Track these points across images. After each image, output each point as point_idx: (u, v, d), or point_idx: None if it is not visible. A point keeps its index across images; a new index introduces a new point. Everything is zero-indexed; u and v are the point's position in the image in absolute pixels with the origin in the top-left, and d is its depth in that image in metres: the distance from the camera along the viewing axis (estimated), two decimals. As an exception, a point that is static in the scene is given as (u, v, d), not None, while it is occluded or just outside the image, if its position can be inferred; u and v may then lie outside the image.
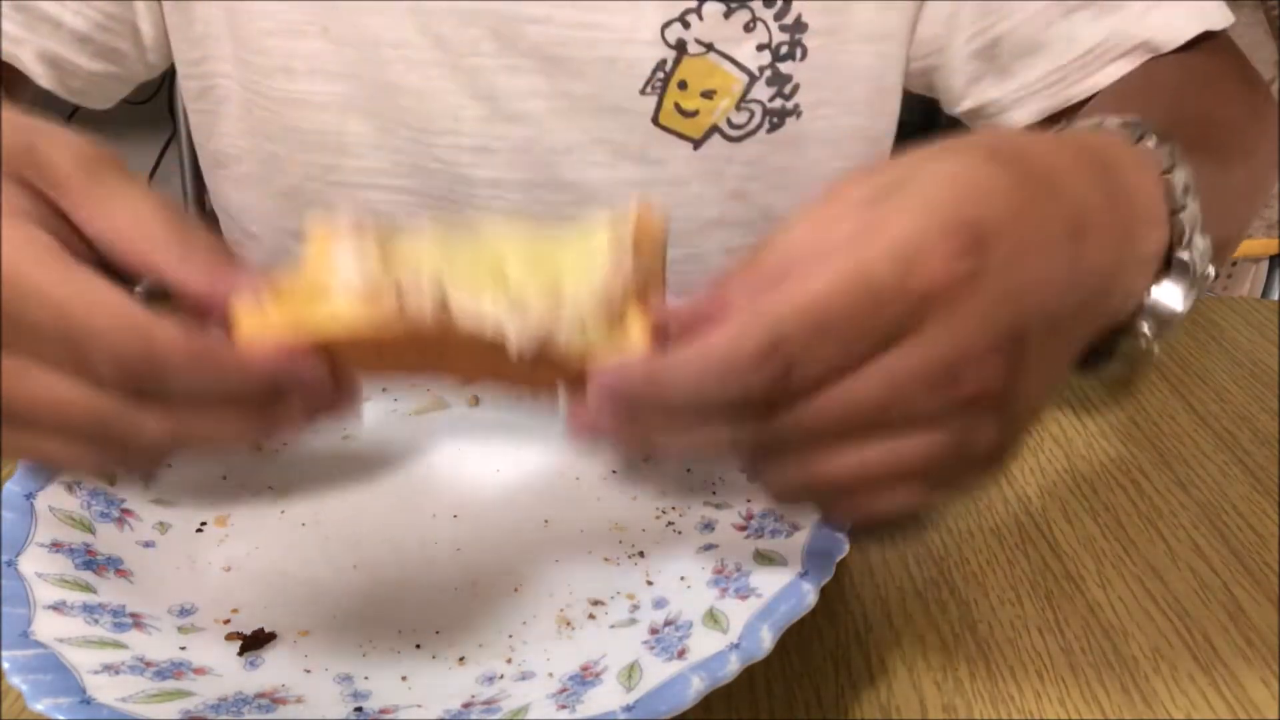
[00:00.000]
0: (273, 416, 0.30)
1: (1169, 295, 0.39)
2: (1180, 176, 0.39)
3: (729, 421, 0.28)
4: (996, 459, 0.31)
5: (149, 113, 1.86)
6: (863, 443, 0.29)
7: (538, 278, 0.30)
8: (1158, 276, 0.39)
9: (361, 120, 0.58)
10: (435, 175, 0.59)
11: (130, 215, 0.30)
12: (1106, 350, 0.40)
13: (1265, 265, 1.61)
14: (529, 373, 0.31)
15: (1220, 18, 0.56)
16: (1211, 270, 0.40)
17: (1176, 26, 0.55)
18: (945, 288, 0.28)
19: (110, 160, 0.31)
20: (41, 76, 0.57)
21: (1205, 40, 0.56)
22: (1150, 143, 0.39)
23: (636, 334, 0.30)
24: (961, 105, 0.63)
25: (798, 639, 0.30)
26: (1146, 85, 0.55)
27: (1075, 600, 0.37)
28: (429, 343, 0.30)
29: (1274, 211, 1.49)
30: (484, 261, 0.31)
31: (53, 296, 0.28)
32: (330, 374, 0.30)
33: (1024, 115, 0.59)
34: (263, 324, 0.30)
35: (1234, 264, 1.65)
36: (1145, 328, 0.39)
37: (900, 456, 0.29)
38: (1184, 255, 0.39)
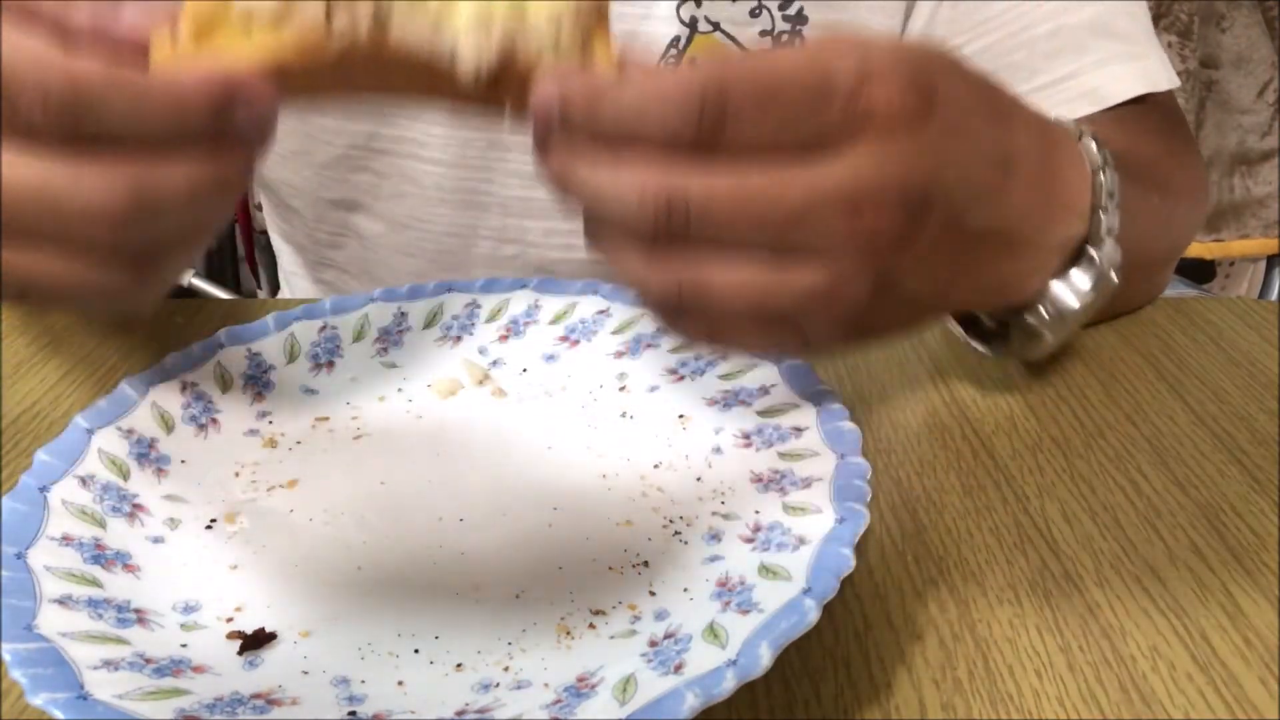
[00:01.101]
0: (222, 160, 0.29)
1: (1071, 288, 0.42)
2: (1107, 179, 0.42)
3: (654, 165, 0.29)
4: (858, 325, 0.33)
5: (149, 113, 1.86)
6: (754, 259, 0.30)
7: None
8: (1065, 267, 0.42)
9: None
10: (471, 143, 0.62)
11: None
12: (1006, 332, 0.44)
13: (1263, 265, 1.61)
14: (475, 92, 0.30)
15: (1165, 79, 0.61)
16: (1115, 278, 0.43)
17: (1124, 84, 0.59)
18: (887, 116, 0.30)
19: None
20: None
21: (1147, 99, 0.60)
22: (1090, 143, 0.42)
23: (601, 60, 0.30)
24: None
25: (797, 639, 0.30)
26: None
27: (1074, 600, 0.38)
28: (364, 65, 0.29)
29: (1273, 211, 1.49)
30: None
31: None
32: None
33: None
34: (178, 57, 0.28)
35: (1232, 264, 1.65)
36: (1043, 310, 0.42)
37: (781, 285, 0.30)
38: (1094, 252, 0.42)
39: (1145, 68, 0.60)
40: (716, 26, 0.60)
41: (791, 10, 0.61)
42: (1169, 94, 0.62)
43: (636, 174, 0.29)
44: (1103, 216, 0.42)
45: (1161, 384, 0.51)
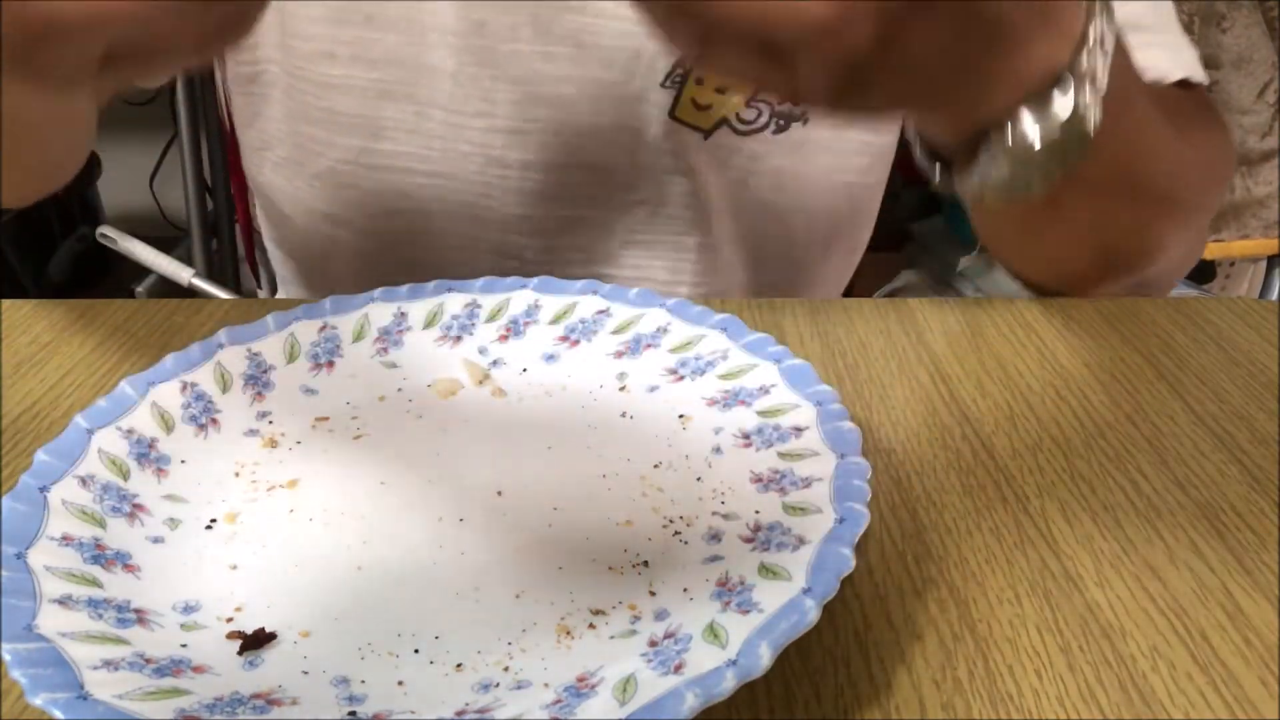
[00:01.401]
0: None
1: (1041, 117, 0.42)
2: (1098, 28, 0.41)
3: None
4: (849, 80, 0.32)
5: (150, 113, 1.86)
6: None
7: None
8: (1041, 100, 0.42)
9: (397, 105, 0.61)
10: (468, 158, 0.62)
11: None
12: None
13: (1263, 265, 1.61)
14: None
15: (1200, 74, 0.60)
16: (1093, 114, 0.41)
17: (1163, 67, 0.59)
18: None
19: None
20: None
21: (1186, 86, 0.60)
22: None
23: None
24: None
25: (797, 639, 0.30)
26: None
27: (1074, 600, 0.38)
28: None
29: (1273, 211, 1.49)
30: None
31: None
32: None
33: None
34: None
35: (1232, 264, 1.65)
36: (1009, 133, 0.42)
37: (788, 10, 0.30)
38: (1070, 85, 0.41)
39: (1182, 58, 0.60)
40: None
41: None
42: (1202, 89, 0.61)
43: None
44: (1084, 57, 0.42)
45: (1161, 384, 0.51)
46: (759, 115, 0.62)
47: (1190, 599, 0.38)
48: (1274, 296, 1.58)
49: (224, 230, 1.81)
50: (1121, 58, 0.44)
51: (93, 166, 2.06)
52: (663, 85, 0.61)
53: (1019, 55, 0.40)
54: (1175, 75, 0.59)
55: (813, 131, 0.64)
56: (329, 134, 0.62)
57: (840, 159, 0.66)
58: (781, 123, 0.63)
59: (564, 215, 0.64)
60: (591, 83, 0.60)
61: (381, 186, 0.64)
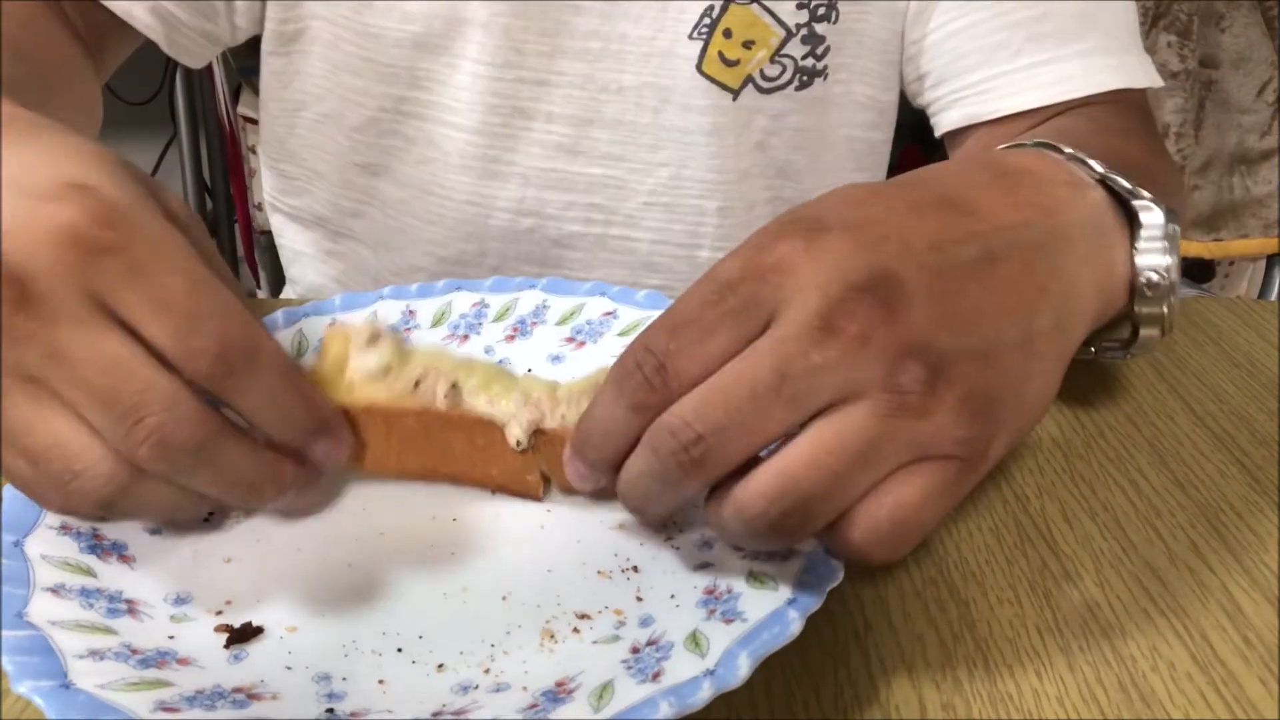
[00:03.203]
0: (287, 469, 0.34)
1: (1149, 257, 0.38)
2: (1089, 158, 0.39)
3: (654, 426, 0.30)
4: (969, 416, 0.29)
5: (149, 113, 1.86)
6: (778, 448, 0.29)
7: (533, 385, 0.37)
8: (1126, 244, 0.38)
9: (430, 56, 0.62)
10: (496, 110, 0.63)
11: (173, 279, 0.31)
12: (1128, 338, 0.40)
13: (1263, 265, 1.61)
14: (513, 467, 0.38)
15: (1144, 77, 0.61)
16: (1174, 249, 0.38)
17: (1102, 75, 0.60)
18: (785, 257, 0.30)
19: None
20: (154, 29, 0.60)
21: (1122, 96, 0.60)
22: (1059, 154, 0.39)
23: None
24: (916, 101, 0.68)
25: (797, 639, 0.30)
26: (1059, 131, 0.59)
27: (1074, 599, 0.38)
28: (430, 435, 0.37)
29: (1273, 211, 1.49)
30: (483, 372, 0.38)
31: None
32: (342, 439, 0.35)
33: (951, 119, 0.64)
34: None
35: (1232, 264, 1.65)
36: (1145, 287, 0.38)
37: (833, 437, 0.29)
38: (1139, 208, 0.38)
39: (1124, 63, 0.61)
40: None
41: None
42: (1143, 94, 0.63)
43: (642, 454, 0.31)
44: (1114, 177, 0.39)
45: (1161, 384, 0.51)
46: (783, 71, 0.63)
47: (1190, 599, 0.38)
48: (1273, 296, 1.58)
49: (224, 230, 1.81)
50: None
51: (92, 166, 2.06)
52: (690, 37, 0.61)
53: (1084, 302, 0.36)
54: (1114, 85, 0.60)
55: (830, 86, 0.65)
56: (368, 83, 0.63)
57: (850, 113, 0.67)
58: (805, 79, 0.63)
59: (586, 172, 0.65)
60: (618, 38, 0.61)
61: (417, 134, 0.64)
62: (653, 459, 0.30)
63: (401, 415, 0.37)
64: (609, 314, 0.48)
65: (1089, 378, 0.51)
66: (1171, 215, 0.38)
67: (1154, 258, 0.38)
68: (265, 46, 0.67)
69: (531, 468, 0.38)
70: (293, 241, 0.75)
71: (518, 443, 0.37)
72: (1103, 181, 0.38)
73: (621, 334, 0.47)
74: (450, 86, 0.62)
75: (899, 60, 0.66)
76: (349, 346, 0.37)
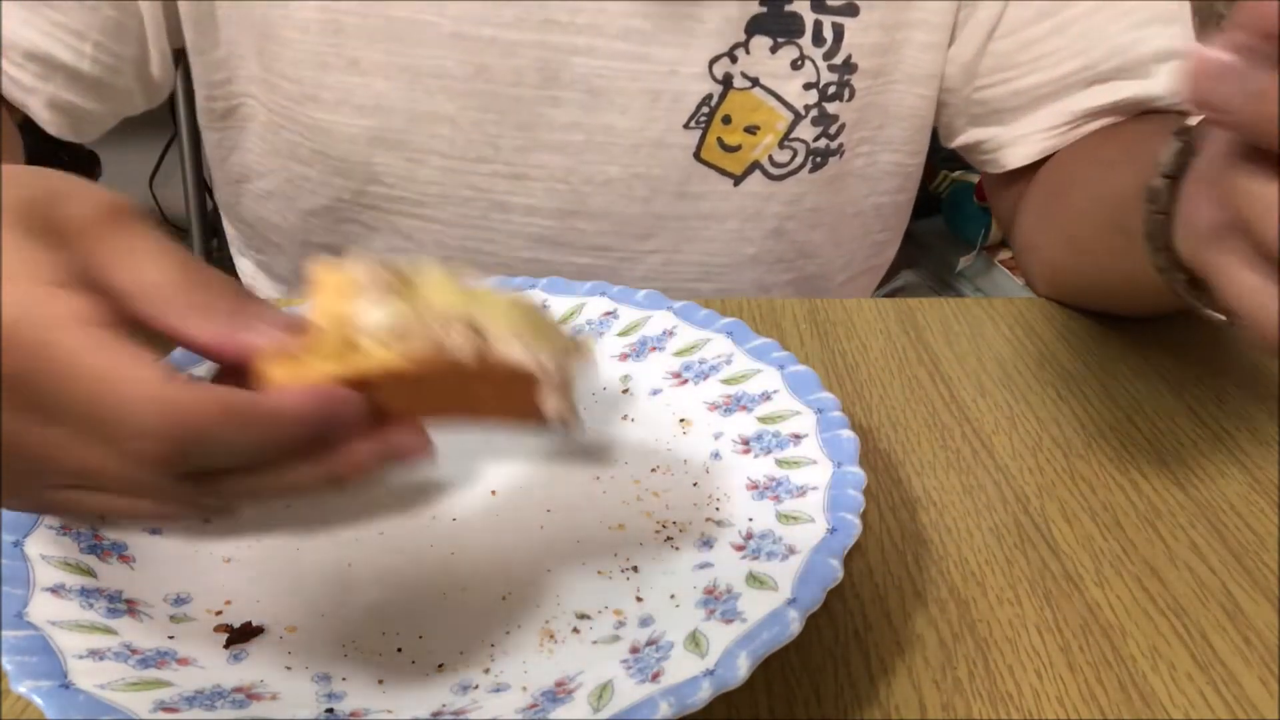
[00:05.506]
0: (334, 463, 0.29)
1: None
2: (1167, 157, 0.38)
3: None
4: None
5: (149, 113, 1.86)
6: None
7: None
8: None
9: (389, 152, 0.58)
10: (469, 203, 0.59)
11: (151, 269, 0.28)
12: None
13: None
14: (530, 402, 0.32)
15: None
16: None
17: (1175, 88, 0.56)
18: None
19: (131, 211, 0.29)
20: (50, 124, 0.57)
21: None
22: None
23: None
24: (956, 140, 0.65)
25: (797, 638, 0.30)
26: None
27: (1074, 599, 0.38)
28: (454, 382, 0.31)
29: (1273, 211, 1.49)
30: (494, 305, 0.31)
31: (82, 378, 0.26)
32: (376, 411, 0.29)
33: (1022, 154, 0.61)
34: (293, 373, 0.29)
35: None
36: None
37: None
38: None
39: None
40: (755, 82, 0.57)
41: (838, 59, 0.57)
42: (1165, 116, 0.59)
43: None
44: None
45: (1162, 384, 0.51)
46: (794, 155, 0.59)
47: (1190, 599, 0.38)
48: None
49: (224, 230, 1.81)
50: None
51: (92, 166, 2.06)
52: (686, 126, 0.57)
53: None
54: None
55: (847, 161, 0.61)
56: (322, 174, 0.59)
57: (874, 184, 0.64)
58: (819, 160, 0.60)
59: (572, 261, 0.61)
60: (602, 129, 0.57)
61: (381, 224, 0.60)
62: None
63: (420, 377, 0.31)
64: (609, 314, 0.48)
65: (1089, 378, 0.51)
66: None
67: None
68: (200, 119, 0.64)
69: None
70: (264, 288, 0.72)
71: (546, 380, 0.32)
72: None
73: (621, 334, 0.47)
74: (417, 181, 0.58)
75: (929, 123, 0.63)
76: (347, 300, 0.31)
